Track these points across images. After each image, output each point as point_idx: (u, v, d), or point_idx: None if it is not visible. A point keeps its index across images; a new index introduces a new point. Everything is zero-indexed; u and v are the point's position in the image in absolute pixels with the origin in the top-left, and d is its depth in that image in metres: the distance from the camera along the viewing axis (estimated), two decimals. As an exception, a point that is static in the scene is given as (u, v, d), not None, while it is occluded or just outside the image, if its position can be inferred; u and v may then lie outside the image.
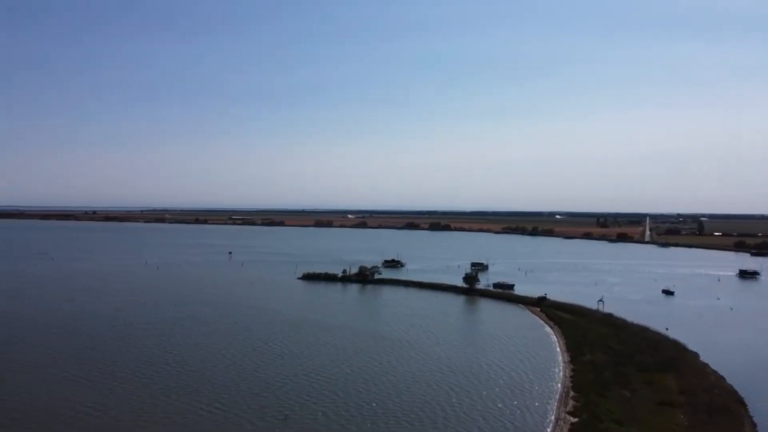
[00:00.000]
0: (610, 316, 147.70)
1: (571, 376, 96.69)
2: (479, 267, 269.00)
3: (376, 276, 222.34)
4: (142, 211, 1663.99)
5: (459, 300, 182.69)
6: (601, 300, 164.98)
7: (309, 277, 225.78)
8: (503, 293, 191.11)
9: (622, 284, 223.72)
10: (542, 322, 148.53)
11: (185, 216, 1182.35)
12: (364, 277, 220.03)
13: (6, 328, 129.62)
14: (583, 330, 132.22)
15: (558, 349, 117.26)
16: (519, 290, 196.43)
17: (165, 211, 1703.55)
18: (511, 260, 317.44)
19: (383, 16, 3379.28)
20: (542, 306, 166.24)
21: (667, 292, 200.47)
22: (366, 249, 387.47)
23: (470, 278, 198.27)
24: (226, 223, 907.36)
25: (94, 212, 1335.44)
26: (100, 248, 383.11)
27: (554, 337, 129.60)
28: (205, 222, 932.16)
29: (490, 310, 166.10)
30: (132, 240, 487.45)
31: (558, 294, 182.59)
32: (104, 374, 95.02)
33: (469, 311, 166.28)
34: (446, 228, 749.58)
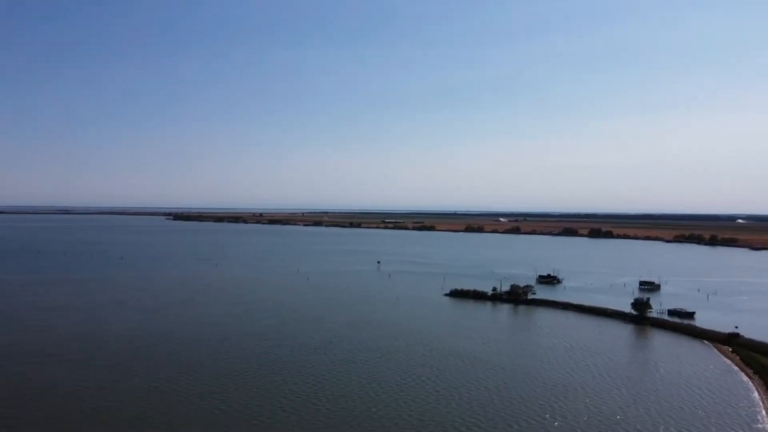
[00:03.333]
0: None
1: (787, 460, 74.84)
2: (649, 286, 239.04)
3: (530, 296, 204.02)
4: (303, 213, 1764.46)
5: (627, 331, 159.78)
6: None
7: (456, 294, 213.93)
8: (681, 324, 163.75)
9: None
10: (736, 367, 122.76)
11: (342, 218, 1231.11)
12: (517, 297, 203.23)
13: (164, 344, 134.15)
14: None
15: (763, 413, 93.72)
16: (701, 320, 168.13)
17: (324, 213, 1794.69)
18: (688, 278, 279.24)
19: (539, 11, 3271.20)
20: (734, 345, 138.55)
21: None
22: (518, 260, 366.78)
23: (641, 305, 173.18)
24: (378, 227, 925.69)
25: (261, 215, 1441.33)
26: (260, 253, 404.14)
27: (755, 393, 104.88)
28: (359, 225, 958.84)
29: (666, 347, 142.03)
30: (289, 245, 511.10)
31: (753, 328, 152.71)
32: (246, 409, 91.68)
33: (641, 348, 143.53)
34: (608, 235, 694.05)
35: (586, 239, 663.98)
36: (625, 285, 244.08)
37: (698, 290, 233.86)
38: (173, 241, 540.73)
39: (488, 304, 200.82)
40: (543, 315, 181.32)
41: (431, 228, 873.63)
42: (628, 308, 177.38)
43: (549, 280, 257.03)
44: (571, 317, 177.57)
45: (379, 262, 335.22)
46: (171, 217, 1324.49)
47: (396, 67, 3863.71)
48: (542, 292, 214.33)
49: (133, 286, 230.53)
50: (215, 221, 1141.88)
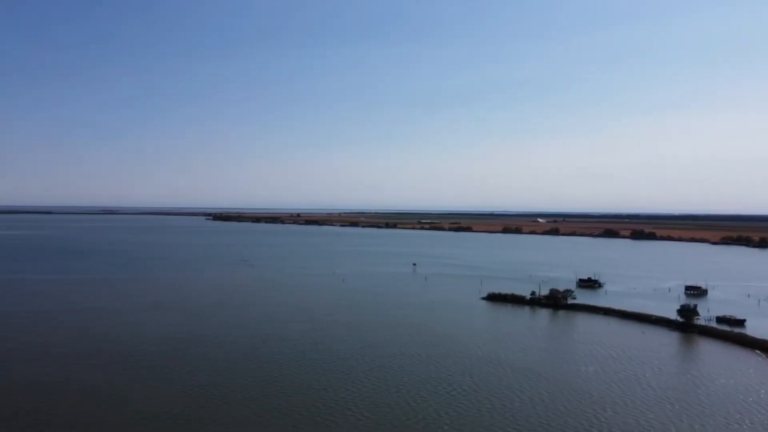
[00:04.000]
0: None
1: None
2: (696, 291, 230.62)
3: (570, 301, 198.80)
4: (340, 213, 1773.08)
5: (672, 338, 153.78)
6: None
7: (494, 298, 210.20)
8: (731, 333, 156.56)
9: None
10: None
11: (378, 219, 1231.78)
12: (556, 302, 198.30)
13: (199, 347, 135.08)
14: None
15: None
16: (752, 328, 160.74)
17: (361, 213, 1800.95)
18: (737, 282, 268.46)
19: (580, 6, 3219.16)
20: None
21: None
22: (557, 263, 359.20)
23: (688, 312, 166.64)
24: (414, 228, 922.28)
25: (298, 215, 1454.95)
26: (296, 254, 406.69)
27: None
28: (395, 226, 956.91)
29: (716, 357, 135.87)
30: (325, 246, 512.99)
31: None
32: (281, 414, 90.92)
33: (689, 358, 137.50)
34: (651, 236, 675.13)
35: (628, 241, 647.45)
36: (669, 290, 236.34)
37: (748, 296, 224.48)
38: (212, 242, 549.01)
39: (527, 309, 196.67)
40: (584, 321, 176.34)
41: (468, 229, 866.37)
42: (673, 315, 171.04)
43: (590, 284, 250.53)
44: (614, 324, 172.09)
45: (415, 264, 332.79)
46: (211, 218, 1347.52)
47: (398, 68, 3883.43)
48: (583, 297, 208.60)
49: (171, 287, 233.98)
50: (253, 221, 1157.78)
